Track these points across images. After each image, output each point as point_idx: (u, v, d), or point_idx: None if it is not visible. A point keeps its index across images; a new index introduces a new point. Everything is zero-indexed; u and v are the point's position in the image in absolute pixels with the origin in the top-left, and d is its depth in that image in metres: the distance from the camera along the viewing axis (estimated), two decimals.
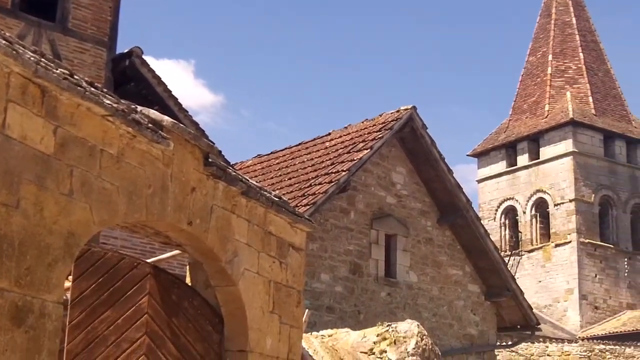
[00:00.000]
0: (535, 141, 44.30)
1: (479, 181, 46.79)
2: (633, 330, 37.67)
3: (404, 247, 19.55)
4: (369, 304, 18.60)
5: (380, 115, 20.30)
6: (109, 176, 5.51)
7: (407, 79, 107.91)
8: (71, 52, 14.03)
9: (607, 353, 33.78)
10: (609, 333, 38.32)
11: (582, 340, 36.34)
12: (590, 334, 38.99)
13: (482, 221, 22.33)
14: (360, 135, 19.86)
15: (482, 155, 46.82)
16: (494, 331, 21.29)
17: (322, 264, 17.86)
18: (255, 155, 24.69)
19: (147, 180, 5.87)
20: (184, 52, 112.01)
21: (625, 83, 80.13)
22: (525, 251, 43.31)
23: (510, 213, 44.90)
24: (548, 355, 33.05)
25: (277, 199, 7.46)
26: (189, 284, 7.19)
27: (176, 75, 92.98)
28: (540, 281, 42.41)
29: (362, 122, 20.85)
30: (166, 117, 6.10)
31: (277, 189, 18.48)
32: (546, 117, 44.10)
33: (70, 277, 6.39)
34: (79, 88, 5.14)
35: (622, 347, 34.28)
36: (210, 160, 6.53)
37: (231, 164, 16.90)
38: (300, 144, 22.88)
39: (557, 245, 42.16)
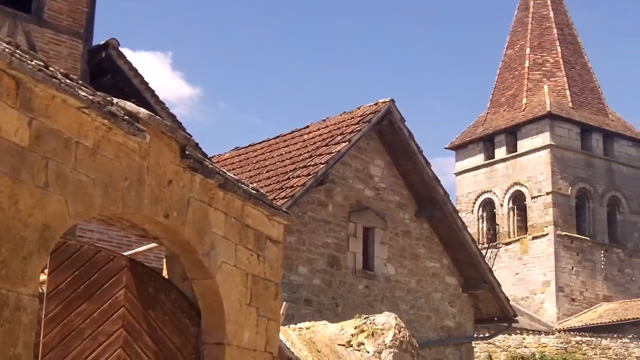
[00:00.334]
0: (512, 134, 44.50)
1: (457, 174, 46.95)
2: (609, 322, 37.95)
3: (382, 239, 19.59)
4: (346, 296, 18.63)
5: (359, 108, 20.31)
6: (84, 169, 5.48)
7: (385, 73, 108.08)
8: (47, 44, 13.92)
9: (583, 345, 34.01)
10: (586, 325, 38.59)
11: (559, 332, 36.60)
12: (567, 325, 39.26)
13: (459, 214, 22.40)
14: (339, 128, 19.86)
15: (460, 148, 46.98)
16: (471, 323, 21.39)
17: (300, 257, 17.87)
18: (232, 148, 24.66)
19: (123, 172, 5.84)
20: (161, 44, 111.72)
21: (602, 76, 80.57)
22: (502, 244, 43.52)
23: (488, 206, 45.10)
24: (525, 347, 33.24)
25: (254, 192, 7.45)
26: (166, 277, 7.17)
27: (153, 68, 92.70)
28: (517, 273, 42.64)
29: (340, 115, 20.85)
30: (142, 110, 6.07)
31: (255, 181, 18.45)
32: (524, 110, 44.30)
33: (46, 270, 6.35)
34: (54, 80, 5.11)
35: (599, 338, 34.53)
36: (187, 152, 6.51)
37: (208, 156, 16.85)
38: (278, 136, 22.86)
39: (534, 238, 42.40)
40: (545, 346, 33.42)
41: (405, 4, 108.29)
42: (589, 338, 34.59)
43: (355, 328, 10.25)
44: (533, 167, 43.14)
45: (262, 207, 7.55)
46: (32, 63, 5.00)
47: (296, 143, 21.05)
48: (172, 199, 6.36)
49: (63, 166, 5.29)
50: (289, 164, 19.45)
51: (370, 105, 19.97)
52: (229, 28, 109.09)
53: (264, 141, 23.28)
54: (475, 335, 22.57)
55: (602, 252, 43.05)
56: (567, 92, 44.73)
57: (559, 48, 46.40)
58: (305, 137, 21.07)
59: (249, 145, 23.77)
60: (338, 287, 18.52)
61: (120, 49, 14.88)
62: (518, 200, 43.82)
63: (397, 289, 19.69)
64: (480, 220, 45.05)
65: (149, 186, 6.10)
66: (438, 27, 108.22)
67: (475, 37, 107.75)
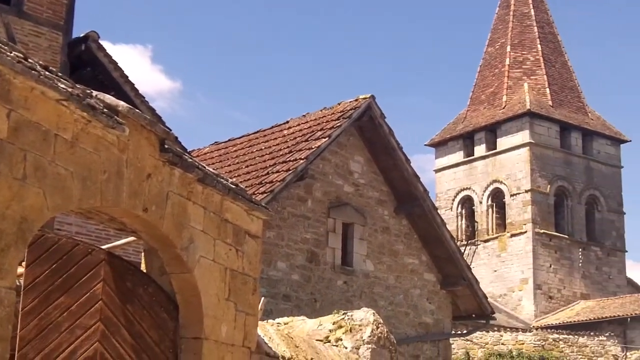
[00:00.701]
0: (492, 132, 44.67)
1: (437, 171, 47.09)
2: (586, 320, 38.20)
3: (361, 235, 19.61)
4: (325, 292, 18.65)
5: (339, 104, 20.31)
6: (63, 161, 5.46)
7: (365, 69, 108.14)
8: (26, 36, 13.84)
9: (560, 342, 34.24)
10: (563, 323, 38.83)
11: (536, 329, 36.81)
12: (544, 323, 39.48)
13: (438, 211, 22.45)
14: (319, 123, 19.86)
15: (440, 145, 47.12)
16: (449, 320, 21.45)
17: (279, 252, 17.86)
18: (212, 142, 24.61)
19: (102, 165, 5.82)
20: (141, 38, 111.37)
21: (582, 75, 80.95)
22: (481, 241, 43.70)
23: (467, 203, 45.26)
24: (502, 344, 33.42)
25: (234, 187, 7.44)
26: (144, 271, 7.15)
27: (133, 61, 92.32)
28: (495, 271, 42.83)
29: (321, 111, 20.85)
30: (122, 103, 6.05)
31: (235, 176, 18.43)
32: (503, 108, 44.47)
33: (24, 263, 6.32)
34: (33, 72, 5.08)
35: (576, 336, 34.78)
36: (166, 146, 6.49)
37: (188, 150, 16.83)
38: (258, 131, 22.82)
39: (512, 235, 42.59)
40: (523, 343, 33.61)
41: (387, 1, 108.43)
42: (566, 336, 34.83)
43: (333, 324, 10.27)
44: (512, 164, 43.33)
45: (241, 202, 7.54)
46: (12, 55, 4.97)
47: (276, 138, 21.03)
48: (151, 193, 6.35)
49: (41, 158, 5.26)
50: (268, 159, 19.43)
51: (350, 101, 19.97)
52: (210, 22, 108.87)
53: (243, 136, 23.24)
54: (453, 332, 22.64)
55: (580, 250, 43.30)
56: (547, 90, 44.95)
57: (539, 46, 46.61)
58: (285, 132, 21.06)
59: (229, 140, 23.73)
60: (317, 282, 18.53)
61: (100, 41, 14.82)
62: (497, 198, 44.01)
63: (375, 285, 19.73)
64: (459, 217, 45.22)
65: (127, 180, 6.08)
66: (419, 24, 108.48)
67: (456, 34, 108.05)
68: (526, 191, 42.50)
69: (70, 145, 5.52)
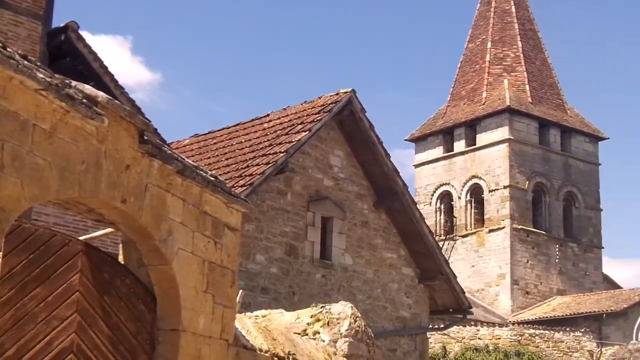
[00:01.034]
0: (472, 127, 44.81)
1: (416, 166, 47.18)
2: (562, 315, 38.45)
3: (340, 229, 19.63)
4: (303, 285, 18.65)
5: (320, 98, 20.31)
6: (41, 151, 5.42)
7: (346, 64, 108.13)
8: (5, 25, 13.73)
9: (536, 337, 34.44)
10: (539, 318, 39.06)
11: (513, 324, 37.01)
12: (521, 318, 39.69)
13: (417, 205, 22.51)
14: (299, 117, 19.85)
15: (420, 141, 47.20)
16: (427, 314, 21.52)
17: (258, 245, 17.85)
18: (192, 134, 24.54)
19: (80, 156, 5.79)
20: (121, 28, 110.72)
21: (562, 73, 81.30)
22: (459, 236, 43.85)
23: (446, 198, 45.40)
24: (479, 338, 33.57)
25: (213, 179, 7.43)
26: (122, 263, 7.13)
27: (113, 52, 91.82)
28: (473, 266, 42.99)
29: (301, 104, 20.84)
30: (101, 93, 6.02)
31: (214, 169, 18.39)
32: (483, 104, 44.60)
33: (0, 253, 6.29)
34: (11, 61, 5.04)
35: (552, 332, 34.99)
36: (145, 138, 6.46)
37: (168, 142, 16.76)
38: (238, 124, 22.77)
39: (490, 231, 42.76)
40: (499, 338, 33.77)
41: None
42: (542, 331, 35.04)
43: (311, 317, 10.27)
44: (491, 160, 43.48)
45: (221, 195, 7.52)
46: None
47: (256, 131, 21.00)
48: (130, 184, 6.32)
49: (19, 148, 5.23)
50: (248, 152, 19.40)
51: (331, 95, 19.97)
52: (191, 14, 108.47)
53: (223, 128, 23.19)
54: (430, 326, 22.72)
55: (557, 246, 43.53)
56: (527, 87, 45.12)
57: (519, 43, 46.77)
58: (266, 125, 21.04)
59: (209, 132, 23.67)
60: (295, 276, 18.54)
61: (80, 32, 14.74)
62: (476, 193, 44.17)
63: (354, 279, 19.76)
64: (438, 212, 45.34)
65: (106, 170, 6.05)
66: (400, 19, 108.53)
67: (437, 30, 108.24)
68: (504, 187, 42.67)
69: (49, 136, 5.49)
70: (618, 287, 44.75)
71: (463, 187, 44.43)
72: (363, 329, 10.34)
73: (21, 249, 6.36)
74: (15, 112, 5.19)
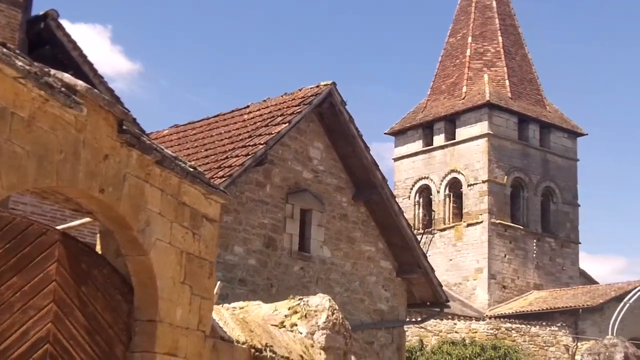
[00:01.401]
0: (451, 122, 44.92)
1: (395, 159, 47.25)
2: (539, 310, 38.66)
3: (319, 222, 19.64)
4: (282, 277, 18.66)
5: (300, 90, 20.29)
6: (19, 140, 5.39)
7: (327, 56, 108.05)
8: None
9: (513, 332, 34.62)
10: (516, 312, 39.27)
11: (490, 318, 37.18)
12: (498, 312, 39.89)
13: (396, 199, 22.55)
14: (279, 109, 19.83)
15: (399, 134, 47.27)
16: (404, 307, 21.59)
17: (236, 237, 17.83)
18: (172, 125, 24.46)
19: (58, 145, 5.76)
20: (101, 17, 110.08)
21: (541, 68, 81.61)
22: (437, 230, 43.98)
23: (425, 192, 45.51)
24: (456, 332, 33.71)
25: (192, 170, 7.41)
26: (99, 253, 7.10)
27: (92, 41, 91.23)
28: (451, 259, 43.14)
29: (282, 96, 20.81)
30: (80, 82, 5.98)
31: (193, 159, 18.34)
32: (463, 99, 44.72)
33: None
34: None
35: (528, 326, 35.19)
36: (124, 127, 6.44)
37: (147, 132, 16.70)
38: (218, 115, 22.72)
39: (468, 225, 42.91)
40: (476, 332, 33.92)
41: None
42: (518, 325, 35.23)
43: (289, 309, 10.27)
44: (470, 155, 43.61)
45: (199, 186, 7.51)
46: None
47: (236, 123, 20.97)
48: (108, 174, 6.30)
49: None
50: (227, 144, 19.37)
51: (311, 88, 19.96)
52: (171, 4, 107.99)
53: (203, 119, 23.13)
54: (408, 319, 22.80)
55: (535, 241, 43.76)
56: (507, 82, 45.27)
57: (500, 38, 46.91)
58: (245, 117, 21.00)
59: (188, 123, 23.60)
60: (273, 268, 18.54)
61: (60, 20, 14.65)
62: (454, 188, 44.30)
63: (332, 271, 19.78)
64: (417, 206, 45.45)
65: (84, 160, 6.02)
66: (381, 12, 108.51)
67: (418, 24, 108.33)
68: (483, 182, 42.82)
69: (27, 124, 5.46)
70: (594, 282, 45.05)
71: (442, 181, 44.55)
72: (340, 321, 10.36)
73: None
74: None
